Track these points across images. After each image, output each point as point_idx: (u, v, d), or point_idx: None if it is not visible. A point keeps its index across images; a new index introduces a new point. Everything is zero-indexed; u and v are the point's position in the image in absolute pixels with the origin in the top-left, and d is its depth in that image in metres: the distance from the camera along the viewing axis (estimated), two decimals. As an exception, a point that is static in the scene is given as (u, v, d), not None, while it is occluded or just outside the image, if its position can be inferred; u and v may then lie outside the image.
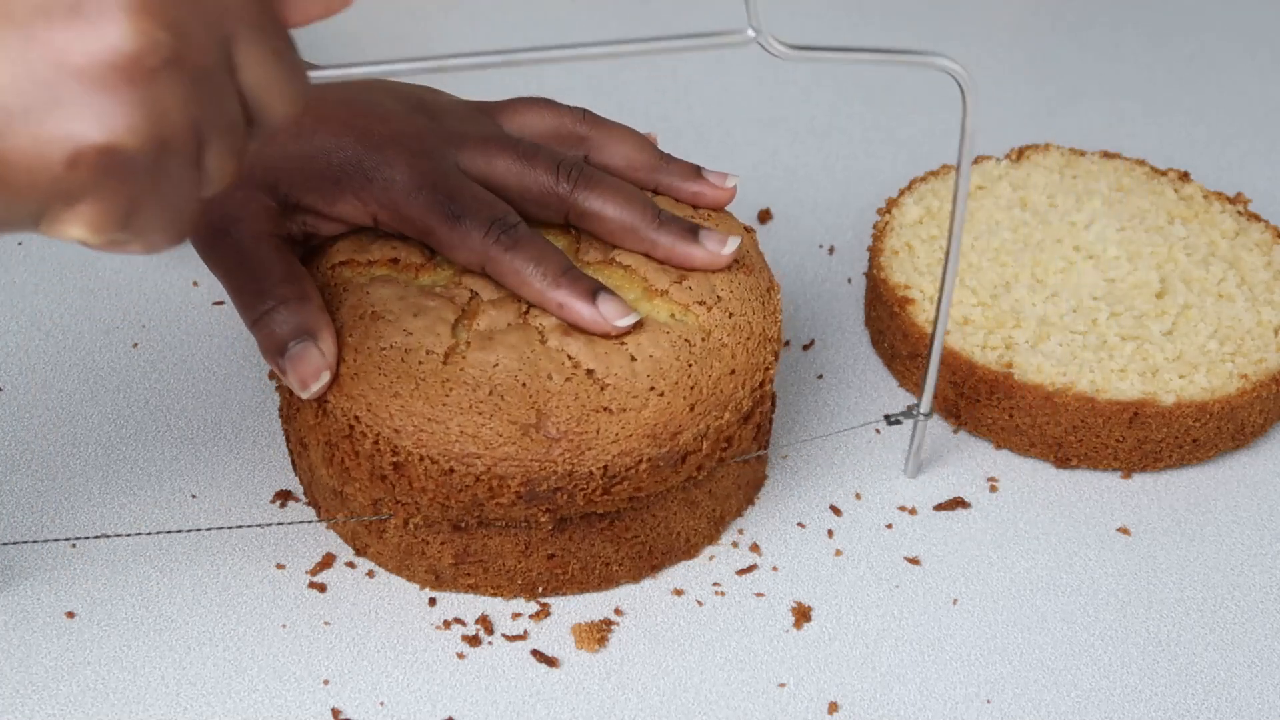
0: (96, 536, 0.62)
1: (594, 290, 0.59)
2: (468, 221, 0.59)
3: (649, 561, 0.62)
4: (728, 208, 0.66)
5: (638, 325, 0.59)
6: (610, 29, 0.95)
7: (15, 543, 0.61)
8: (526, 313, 0.59)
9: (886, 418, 0.66)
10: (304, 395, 0.58)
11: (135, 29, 0.40)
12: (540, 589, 0.61)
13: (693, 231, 0.61)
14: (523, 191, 0.61)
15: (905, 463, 0.67)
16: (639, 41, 0.51)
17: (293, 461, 0.65)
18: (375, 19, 0.92)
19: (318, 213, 0.61)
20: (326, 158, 0.60)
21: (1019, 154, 0.78)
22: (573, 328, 0.59)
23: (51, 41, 0.40)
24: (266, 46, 0.44)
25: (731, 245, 0.61)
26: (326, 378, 0.58)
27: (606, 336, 0.59)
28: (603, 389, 0.57)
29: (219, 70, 0.43)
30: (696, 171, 0.64)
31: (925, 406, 0.64)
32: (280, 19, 0.45)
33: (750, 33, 0.51)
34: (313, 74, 0.47)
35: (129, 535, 0.62)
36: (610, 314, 0.58)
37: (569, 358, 0.58)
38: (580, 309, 0.58)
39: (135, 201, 0.43)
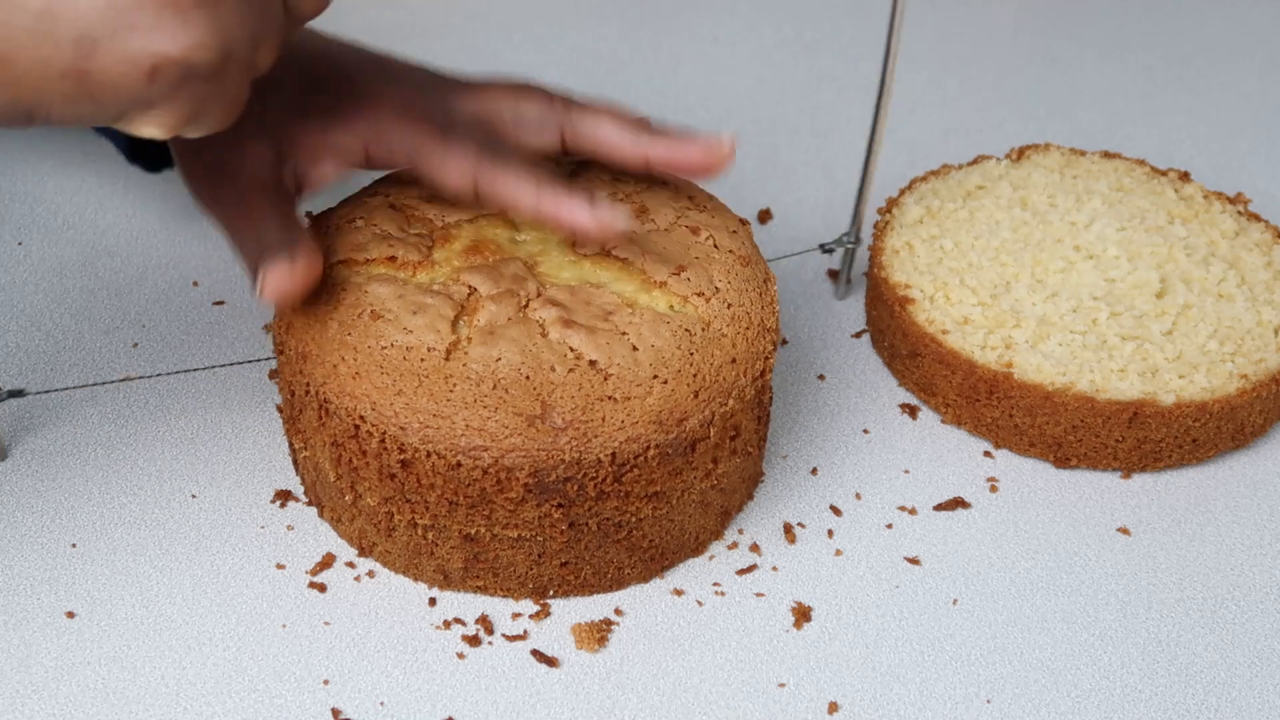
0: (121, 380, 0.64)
1: (590, 196, 0.59)
2: (459, 138, 0.60)
3: (660, 562, 0.62)
4: (724, 202, 0.66)
5: (639, 315, 0.59)
6: (611, 26, 0.95)
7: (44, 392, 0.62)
8: (525, 307, 0.59)
9: (821, 246, 0.75)
10: (264, 297, 0.58)
11: None
12: (551, 592, 0.61)
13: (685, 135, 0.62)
14: (517, 119, 0.62)
15: (836, 289, 0.76)
16: None
17: (294, 461, 0.65)
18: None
19: (310, 148, 0.62)
20: (320, 92, 0.62)
21: (1019, 154, 0.78)
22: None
23: None
24: None
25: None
26: (289, 283, 0.58)
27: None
28: (606, 379, 0.58)
29: None
30: (688, 137, 0.63)
31: (853, 237, 0.74)
32: None
33: None
34: None
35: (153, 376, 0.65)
36: (608, 218, 0.58)
37: (571, 350, 0.58)
38: (578, 212, 0.58)
39: (202, 102, 0.49)
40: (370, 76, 0.62)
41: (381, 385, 0.57)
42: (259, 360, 0.69)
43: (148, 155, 0.75)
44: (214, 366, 0.69)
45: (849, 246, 0.74)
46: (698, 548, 0.64)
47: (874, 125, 0.69)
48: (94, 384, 0.68)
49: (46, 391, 0.66)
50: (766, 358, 0.61)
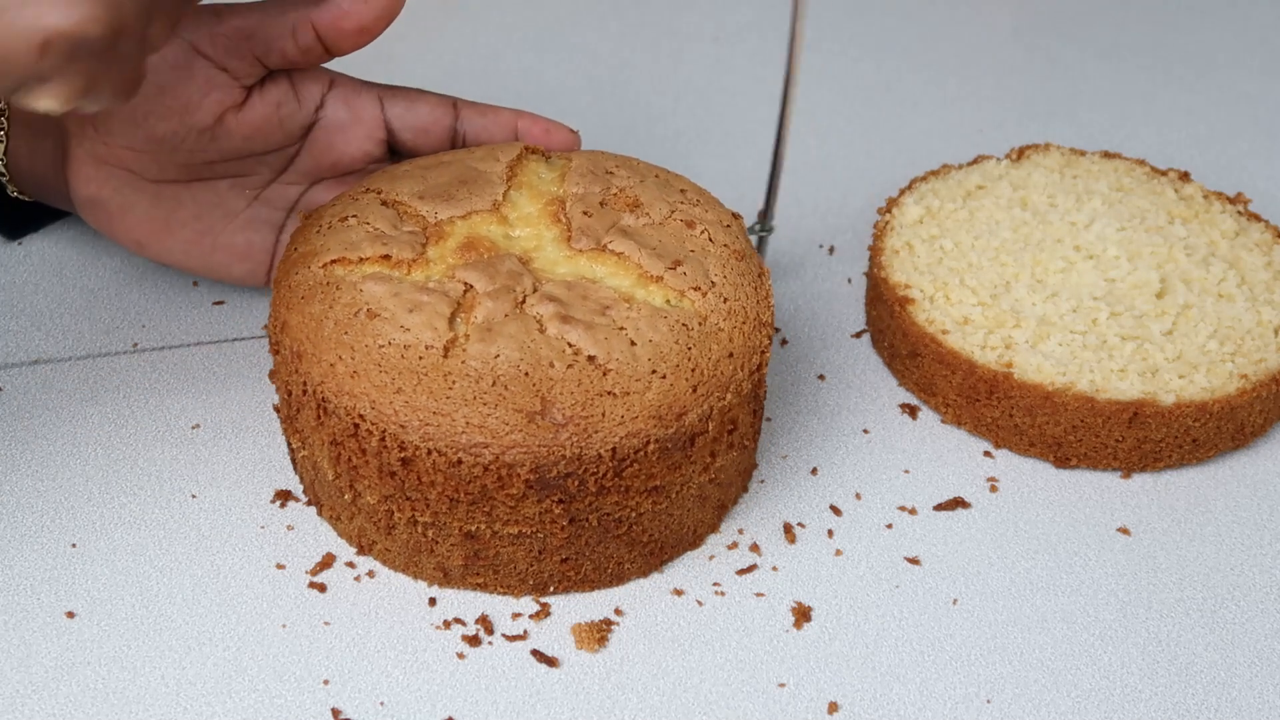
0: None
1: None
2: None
3: (659, 556, 0.63)
4: (716, 197, 0.66)
5: (636, 310, 0.59)
6: (611, 26, 0.95)
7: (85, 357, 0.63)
8: (522, 303, 0.59)
9: (749, 228, 0.73)
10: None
11: None
12: (551, 588, 0.61)
13: None
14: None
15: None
16: None
17: (292, 460, 0.65)
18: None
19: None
20: None
21: (1019, 154, 0.78)
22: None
23: None
24: None
25: None
26: None
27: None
28: (605, 374, 0.58)
29: None
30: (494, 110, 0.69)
31: (769, 223, 0.73)
32: None
33: None
34: None
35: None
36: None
37: (569, 345, 0.58)
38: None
39: (95, 76, 0.49)
40: None
41: (380, 383, 0.57)
42: (257, 337, 0.70)
43: (9, 222, 0.75)
44: (215, 341, 0.70)
45: (761, 234, 0.73)
46: (695, 541, 0.64)
47: (782, 111, 0.68)
48: (87, 356, 0.68)
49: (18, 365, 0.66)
50: (763, 352, 0.61)
